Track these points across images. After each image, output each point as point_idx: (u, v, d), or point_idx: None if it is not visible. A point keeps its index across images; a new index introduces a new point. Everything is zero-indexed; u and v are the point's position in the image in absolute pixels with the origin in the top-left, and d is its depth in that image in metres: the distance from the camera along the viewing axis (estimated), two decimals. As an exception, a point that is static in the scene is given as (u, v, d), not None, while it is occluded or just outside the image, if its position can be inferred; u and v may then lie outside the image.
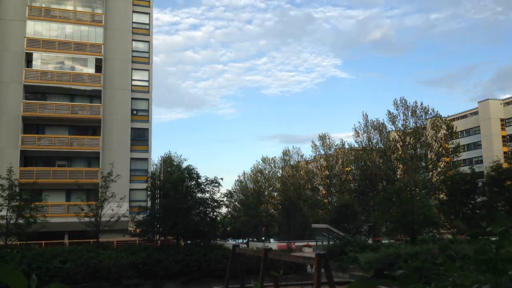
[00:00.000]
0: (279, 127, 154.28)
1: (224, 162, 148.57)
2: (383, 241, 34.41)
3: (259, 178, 73.20)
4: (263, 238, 66.09)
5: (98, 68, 41.06)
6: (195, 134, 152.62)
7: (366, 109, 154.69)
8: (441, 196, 44.42)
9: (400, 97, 58.66)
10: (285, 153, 75.12)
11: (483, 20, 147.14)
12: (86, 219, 27.97)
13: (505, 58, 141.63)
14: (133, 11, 43.34)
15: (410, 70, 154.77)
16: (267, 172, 74.13)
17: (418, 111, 56.23)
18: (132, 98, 41.83)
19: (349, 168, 65.36)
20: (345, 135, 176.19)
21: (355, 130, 59.66)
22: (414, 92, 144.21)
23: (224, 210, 44.64)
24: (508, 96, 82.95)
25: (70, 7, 41.62)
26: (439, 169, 53.57)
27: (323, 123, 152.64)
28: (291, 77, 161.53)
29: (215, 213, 30.64)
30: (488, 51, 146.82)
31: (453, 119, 79.32)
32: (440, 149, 55.25)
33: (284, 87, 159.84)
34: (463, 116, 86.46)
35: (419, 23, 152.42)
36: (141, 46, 43.53)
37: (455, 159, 56.62)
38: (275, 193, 72.00)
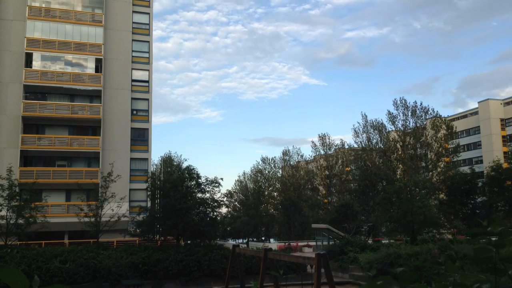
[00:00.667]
0: (264, 130, 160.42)
1: (215, 164, 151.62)
2: (383, 241, 34.40)
3: (259, 178, 73.16)
4: (263, 238, 66.13)
5: (98, 68, 41.09)
6: (184, 137, 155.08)
7: (345, 112, 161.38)
8: (441, 196, 44.39)
9: (400, 97, 58.77)
10: (285, 153, 75.11)
11: (436, 38, 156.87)
12: (86, 219, 27.95)
13: (465, 69, 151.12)
14: (133, 11, 43.37)
15: (379, 80, 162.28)
16: (267, 172, 74.09)
17: (418, 111, 56.21)
18: (132, 98, 41.85)
19: (349, 168, 65.36)
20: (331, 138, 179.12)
21: (355, 130, 59.67)
22: (390, 98, 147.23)
23: (224, 210, 44.72)
24: (507, 96, 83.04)
25: (70, 7, 41.64)
26: (439, 169, 53.53)
27: (306, 126, 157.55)
28: (265, 84, 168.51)
29: (215, 213, 30.65)
30: (448, 64, 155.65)
31: (453, 119, 79.36)
32: (440, 149, 55.21)
33: (260, 93, 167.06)
34: (463, 116, 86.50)
35: (378, 40, 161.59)
36: (141, 46, 43.54)
37: (455, 159, 56.59)
38: (275, 193, 71.96)
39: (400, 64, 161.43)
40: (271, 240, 64.75)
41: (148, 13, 44.34)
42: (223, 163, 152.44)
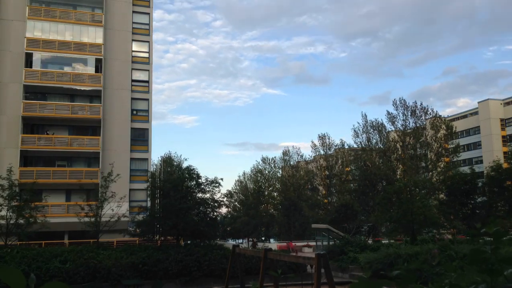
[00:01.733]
0: (242, 135, 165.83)
1: (203, 168, 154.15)
2: (383, 241, 34.42)
3: (259, 178, 73.19)
4: (263, 238, 66.12)
5: (98, 68, 41.09)
6: (166, 141, 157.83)
7: (315, 117, 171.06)
8: (441, 196, 44.41)
9: (399, 97, 58.82)
10: (285, 153, 75.15)
11: (376, 61, 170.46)
12: (86, 219, 27.96)
13: (414, 85, 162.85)
14: (133, 11, 43.37)
15: (338, 94, 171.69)
16: (267, 172, 74.13)
17: (417, 111, 56.23)
18: (132, 98, 41.85)
19: (349, 168, 65.38)
20: (307, 144, 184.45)
21: (354, 130, 59.73)
22: (351, 109, 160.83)
23: (224, 210, 44.72)
24: (507, 96, 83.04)
25: (70, 7, 41.64)
26: (439, 169, 53.56)
27: (281, 131, 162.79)
28: (229, 94, 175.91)
29: (215, 213, 30.66)
30: (396, 80, 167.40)
31: (453, 119, 79.38)
32: (440, 149, 55.24)
33: (226, 102, 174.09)
34: (463, 116, 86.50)
35: (327, 62, 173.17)
36: (141, 46, 43.56)
37: (455, 159, 56.61)
38: (275, 193, 71.97)
39: (352, 82, 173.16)
40: (271, 240, 64.77)
41: (148, 13, 44.34)
42: (211, 167, 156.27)
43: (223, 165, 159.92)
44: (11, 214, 26.72)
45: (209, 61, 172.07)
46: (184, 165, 33.59)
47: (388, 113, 57.01)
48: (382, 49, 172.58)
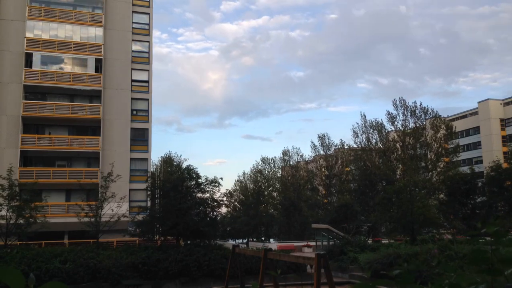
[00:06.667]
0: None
1: None
2: (383, 241, 34.43)
3: (258, 178, 73.14)
4: (263, 238, 66.10)
5: (98, 68, 41.09)
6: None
7: (227, 144, 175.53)
8: (441, 196, 44.40)
9: (399, 97, 58.77)
10: (285, 153, 75.11)
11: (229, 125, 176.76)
12: (86, 219, 27.95)
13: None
14: (133, 11, 43.38)
15: (232, 136, 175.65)
16: (266, 172, 74.08)
17: (417, 112, 56.25)
18: (132, 98, 41.86)
19: (349, 168, 65.38)
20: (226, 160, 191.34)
21: (353, 130, 59.73)
22: (245, 142, 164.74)
23: (224, 210, 44.71)
24: (506, 96, 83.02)
25: (70, 7, 41.65)
26: (438, 169, 53.57)
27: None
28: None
29: (215, 213, 30.64)
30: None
31: (453, 119, 79.36)
32: (440, 149, 55.25)
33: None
34: (463, 116, 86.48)
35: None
36: (141, 46, 43.57)
37: (454, 159, 56.62)
38: (275, 193, 71.93)
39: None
40: (271, 240, 64.75)
41: (148, 13, 44.35)
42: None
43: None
44: (11, 214, 26.70)
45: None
46: (184, 165, 33.61)
47: (388, 113, 57.03)
48: (219, 116, 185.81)
